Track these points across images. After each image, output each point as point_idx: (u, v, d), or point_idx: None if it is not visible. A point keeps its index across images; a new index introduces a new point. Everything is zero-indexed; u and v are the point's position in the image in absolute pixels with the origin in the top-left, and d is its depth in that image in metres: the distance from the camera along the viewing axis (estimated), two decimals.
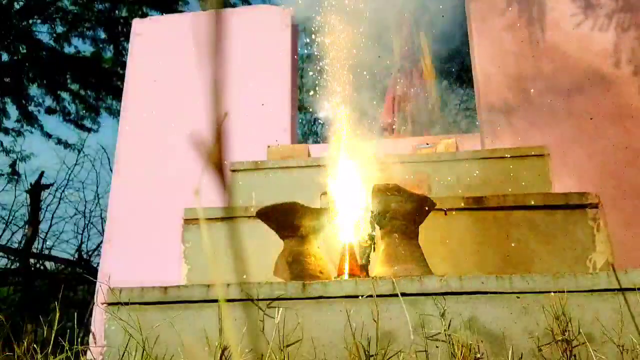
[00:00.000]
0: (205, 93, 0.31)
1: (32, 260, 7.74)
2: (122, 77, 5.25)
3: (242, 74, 3.35)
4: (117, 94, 6.97)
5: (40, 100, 7.09)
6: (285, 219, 1.76)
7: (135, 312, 1.44)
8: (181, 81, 3.44)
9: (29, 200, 7.92)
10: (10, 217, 8.33)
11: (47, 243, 8.38)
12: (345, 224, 1.85)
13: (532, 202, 1.91)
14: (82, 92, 7.29)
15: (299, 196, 2.01)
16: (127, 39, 5.74)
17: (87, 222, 8.58)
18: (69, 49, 6.96)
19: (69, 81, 7.16)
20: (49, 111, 7.16)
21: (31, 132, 7.12)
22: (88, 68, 7.08)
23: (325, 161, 2.41)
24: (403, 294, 1.39)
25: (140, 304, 1.49)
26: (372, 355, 1.29)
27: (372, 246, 1.73)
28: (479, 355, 1.31)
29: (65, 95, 7.21)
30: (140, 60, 3.62)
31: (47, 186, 8.09)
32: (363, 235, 1.78)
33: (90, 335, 1.44)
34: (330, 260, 1.85)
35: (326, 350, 1.39)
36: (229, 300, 1.46)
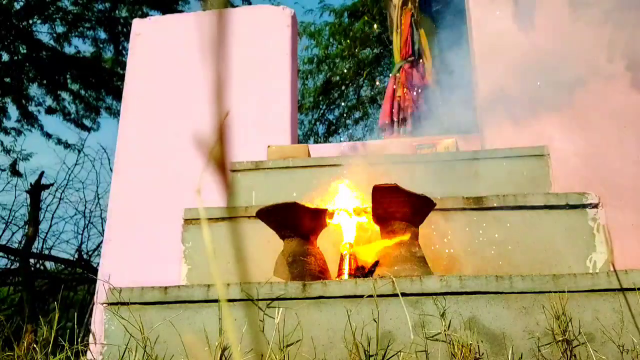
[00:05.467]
0: (206, 92, 0.32)
1: (32, 260, 7.73)
2: (122, 77, 5.25)
3: (242, 74, 3.36)
4: (117, 94, 6.98)
5: (41, 100, 7.10)
6: (285, 219, 1.76)
7: (135, 312, 1.44)
8: (181, 81, 3.44)
9: (29, 200, 7.91)
10: (10, 217, 8.33)
11: (47, 243, 8.37)
12: (346, 224, 1.85)
13: (532, 202, 1.91)
14: (82, 92, 7.30)
15: (299, 196, 2.01)
16: (127, 39, 5.74)
17: (87, 222, 8.57)
18: (69, 49, 6.97)
19: (69, 81, 7.16)
20: (49, 111, 7.16)
21: (30, 132, 7.12)
22: (88, 68, 7.08)
23: (325, 161, 2.42)
24: (403, 294, 1.39)
25: (140, 303, 1.50)
26: (372, 355, 1.29)
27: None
28: (478, 356, 1.31)
29: (65, 95, 7.21)
30: (140, 60, 3.62)
31: (47, 186, 8.07)
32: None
33: (90, 335, 1.44)
34: (330, 260, 1.85)
35: (326, 350, 1.39)
36: (229, 300, 1.46)
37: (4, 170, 7.47)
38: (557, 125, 2.85)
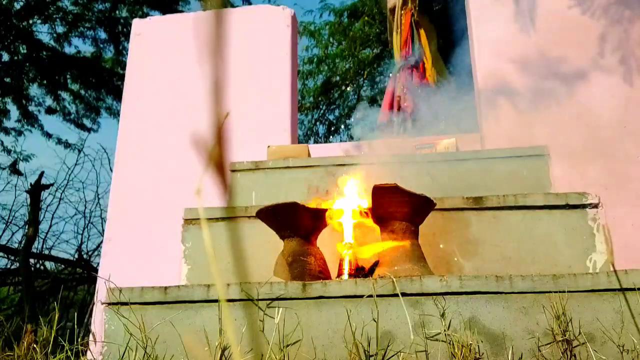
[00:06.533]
0: (206, 93, 0.31)
1: (32, 260, 7.73)
2: (122, 77, 5.25)
3: (242, 74, 3.35)
4: (117, 94, 6.98)
5: (41, 100, 7.10)
6: (285, 219, 1.76)
7: (135, 312, 1.44)
8: (181, 81, 3.44)
9: (29, 200, 7.90)
10: (10, 217, 8.32)
11: (47, 243, 8.37)
12: (346, 225, 1.85)
13: (532, 202, 1.91)
14: (82, 92, 7.30)
15: (299, 196, 2.01)
16: (127, 39, 5.74)
17: (87, 222, 8.57)
18: (69, 49, 6.97)
19: (69, 81, 7.16)
20: (49, 111, 7.16)
21: (30, 132, 7.12)
22: (88, 68, 7.08)
23: (325, 161, 2.42)
24: (403, 294, 1.39)
25: (140, 304, 1.50)
26: (372, 355, 1.29)
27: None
28: (478, 356, 1.31)
29: (65, 95, 7.21)
30: (140, 60, 3.62)
31: (47, 186, 8.06)
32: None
33: (90, 335, 1.44)
34: (330, 261, 1.85)
35: (326, 350, 1.39)
36: (229, 300, 1.46)
37: (4, 168, 7.47)
38: (558, 123, 2.85)
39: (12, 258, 7.99)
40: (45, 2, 6.45)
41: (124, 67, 5.22)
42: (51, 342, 1.40)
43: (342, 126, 9.49)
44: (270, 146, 2.68)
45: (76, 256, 8.23)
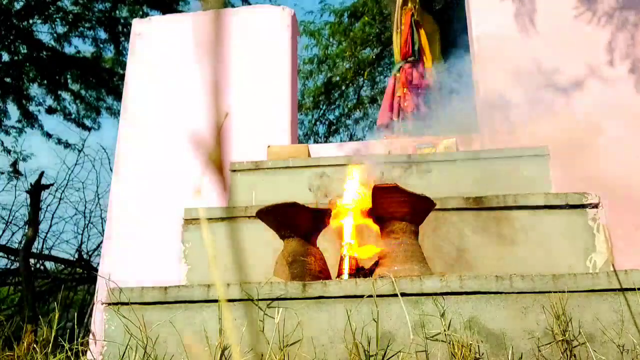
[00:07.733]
0: (206, 93, 0.31)
1: (32, 260, 7.72)
2: (122, 77, 5.25)
3: (242, 74, 3.36)
4: (117, 94, 6.98)
5: (41, 100, 7.10)
6: (285, 219, 1.76)
7: (135, 312, 1.44)
8: (181, 81, 3.44)
9: (29, 200, 7.89)
10: (10, 217, 8.32)
11: (47, 243, 8.36)
12: (346, 224, 1.85)
13: (532, 202, 1.91)
14: (83, 92, 7.30)
15: (299, 196, 2.01)
16: (127, 39, 5.74)
17: (87, 222, 8.56)
18: (69, 49, 6.97)
19: (69, 81, 7.16)
20: (50, 111, 7.16)
21: (31, 129, 7.12)
22: (88, 68, 7.08)
23: (325, 161, 2.42)
24: (403, 294, 1.39)
25: (140, 304, 1.50)
26: (372, 355, 1.29)
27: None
28: (478, 356, 1.31)
29: (65, 95, 7.21)
30: (140, 60, 3.62)
31: (47, 186, 8.05)
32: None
33: (90, 335, 1.45)
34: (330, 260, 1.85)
35: (326, 350, 1.39)
36: (229, 300, 1.46)
37: (3, 173, 7.47)
38: (557, 126, 2.85)
39: (12, 258, 7.99)
40: (45, 2, 6.45)
41: (124, 67, 5.23)
42: (51, 342, 1.40)
43: (342, 126, 9.49)
44: (270, 146, 2.68)
45: (76, 256, 8.22)
